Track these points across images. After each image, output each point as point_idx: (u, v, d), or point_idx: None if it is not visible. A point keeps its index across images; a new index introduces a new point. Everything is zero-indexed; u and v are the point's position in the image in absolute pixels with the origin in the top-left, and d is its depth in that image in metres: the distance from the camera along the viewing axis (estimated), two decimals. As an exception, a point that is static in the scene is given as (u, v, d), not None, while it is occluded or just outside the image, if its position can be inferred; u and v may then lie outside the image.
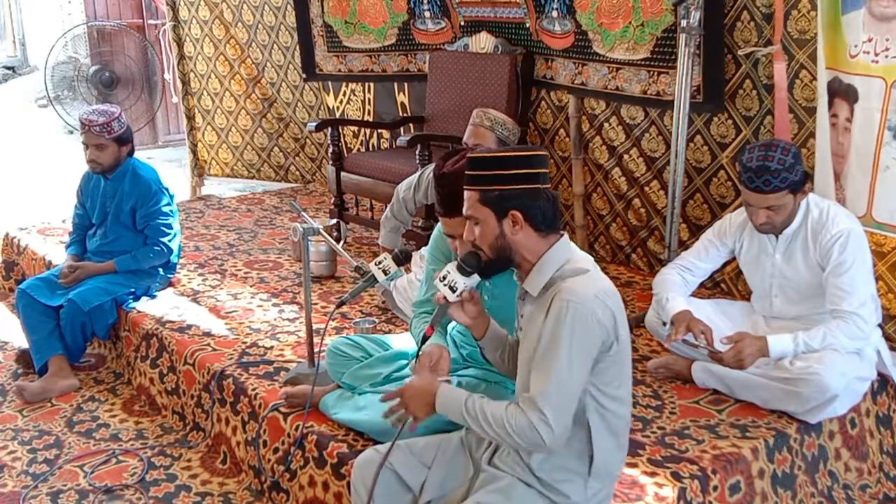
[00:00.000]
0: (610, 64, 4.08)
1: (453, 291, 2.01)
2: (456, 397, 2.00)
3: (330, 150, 4.80)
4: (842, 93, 3.05)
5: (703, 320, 2.91)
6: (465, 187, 2.03)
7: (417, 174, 3.91)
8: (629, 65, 3.98)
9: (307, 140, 6.26)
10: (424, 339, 2.02)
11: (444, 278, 2.02)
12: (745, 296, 3.40)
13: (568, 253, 2.02)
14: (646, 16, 3.82)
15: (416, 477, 2.15)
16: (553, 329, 1.89)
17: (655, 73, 3.88)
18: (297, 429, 2.80)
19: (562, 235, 2.03)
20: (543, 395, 1.87)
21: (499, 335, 2.16)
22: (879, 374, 3.00)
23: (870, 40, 2.91)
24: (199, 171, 6.46)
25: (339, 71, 5.40)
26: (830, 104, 3.09)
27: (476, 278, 2.03)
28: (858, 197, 3.06)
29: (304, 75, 5.57)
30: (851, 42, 2.98)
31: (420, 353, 2.33)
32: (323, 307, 3.81)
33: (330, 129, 4.80)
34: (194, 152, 6.43)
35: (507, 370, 2.23)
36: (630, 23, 3.90)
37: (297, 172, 6.38)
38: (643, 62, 3.91)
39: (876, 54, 2.90)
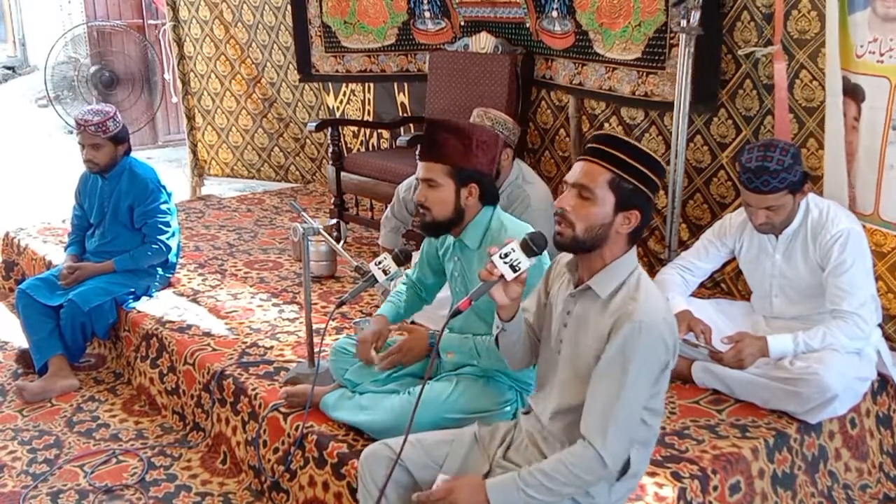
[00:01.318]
0: (608, 64, 4.09)
1: (514, 271, 1.94)
2: (506, 481, 1.95)
3: (330, 150, 4.80)
4: (849, 92, 3.05)
5: (703, 320, 2.91)
6: (597, 161, 1.93)
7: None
8: (624, 65, 3.99)
9: (307, 140, 6.26)
10: (457, 312, 1.99)
11: (507, 256, 1.93)
12: (745, 296, 3.40)
13: (636, 262, 1.99)
14: (643, 16, 3.83)
15: (426, 476, 2.14)
16: (621, 352, 1.87)
17: (644, 74, 3.89)
18: (297, 429, 2.80)
19: (633, 247, 2.00)
20: (609, 419, 1.87)
21: (521, 319, 2.12)
22: (879, 374, 3.00)
23: (875, 40, 2.92)
24: (199, 171, 6.46)
25: (337, 71, 5.39)
26: None
27: (535, 259, 1.97)
28: (867, 195, 3.07)
29: (299, 76, 5.56)
30: (858, 42, 2.98)
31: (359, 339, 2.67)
32: (323, 307, 3.81)
33: (330, 129, 4.80)
34: (194, 152, 6.43)
35: (514, 354, 2.18)
36: (629, 23, 3.91)
37: (297, 172, 6.38)
38: (635, 62, 3.92)
39: (881, 54, 2.91)
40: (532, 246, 1.93)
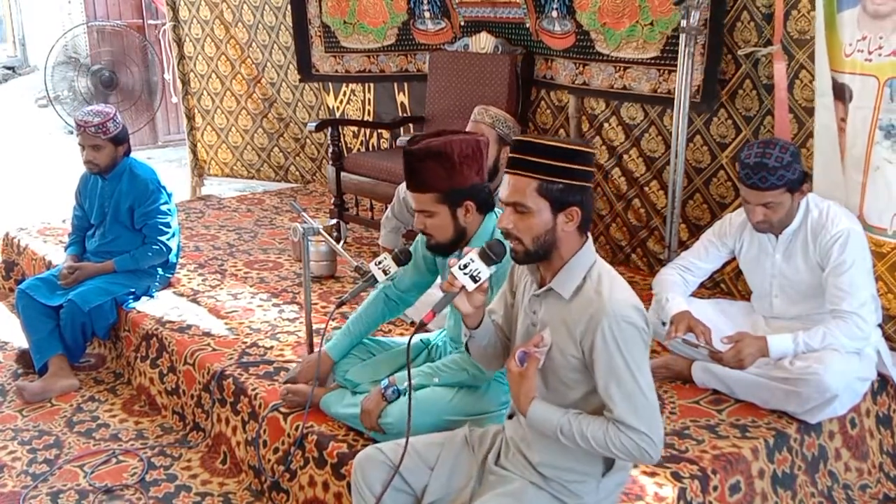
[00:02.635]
0: (616, 63, 4.08)
1: (475, 281, 1.94)
2: (550, 418, 1.95)
3: (330, 150, 4.80)
4: (836, 93, 3.05)
5: (702, 320, 2.90)
6: (519, 173, 1.92)
7: (417, 174, 3.90)
8: (638, 63, 3.98)
9: (307, 140, 6.26)
10: (422, 324, 2.00)
11: (466, 267, 1.93)
12: (745, 296, 3.40)
13: (594, 254, 1.99)
14: (654, 15, 3.82)
15: (418, 479, 2.15)
16: (608, 351, 1.87)
17: (666, 72, 3.87)
18: (297, 429, 2.80)
19: (588, 237, 2.00)
20: (632, 416, 1.87)
21: (489, 324, 2.12)
22: (879, 374, 3.00)
23: (864, 38, 2.91)
24: (199, 171, 6.46)
25: (336, 72, 5.39)
26: None
27: (494, 268, 1.97)
28: (853, 198, 3.05)
29: (299, 76, 5.55)
30: (846, 41, 2.97)
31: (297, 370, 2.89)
32: (323, 307, 3.81)
33: (330, 129, 4.80)
34: (194, 152, 6.43)
35: (486, 358, 2.18)
36: (637, 22, 3.91)
37: (297, 172, 6.38)
38: (653, 61, 3.91)
39: (870, 53, 2.90)
40: (490, 255, 1.94)
